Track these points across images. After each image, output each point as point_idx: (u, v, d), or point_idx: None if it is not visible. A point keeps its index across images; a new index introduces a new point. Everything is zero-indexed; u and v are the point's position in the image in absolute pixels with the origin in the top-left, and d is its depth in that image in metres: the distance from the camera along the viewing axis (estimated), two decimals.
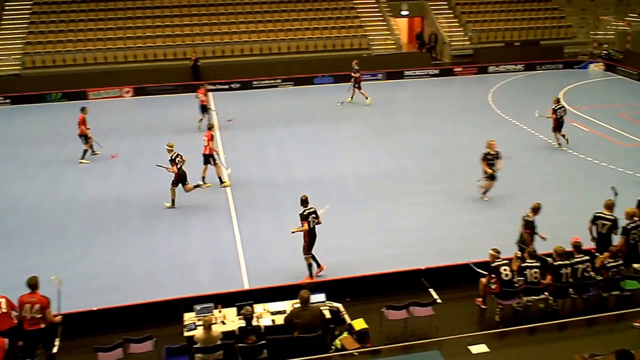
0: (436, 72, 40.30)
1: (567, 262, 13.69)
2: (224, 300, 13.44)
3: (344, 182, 22.55)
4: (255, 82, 37.79)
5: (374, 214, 19.86)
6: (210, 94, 30.77)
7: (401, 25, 46.67)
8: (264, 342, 11.93)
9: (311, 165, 24.19)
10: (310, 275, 15.91)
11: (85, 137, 25.04)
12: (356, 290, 14.59)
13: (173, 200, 20.45)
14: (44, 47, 38.03)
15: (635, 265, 14.53)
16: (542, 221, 15.41)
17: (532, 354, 12.42)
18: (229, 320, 12.90)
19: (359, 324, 12.85)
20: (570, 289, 13.84)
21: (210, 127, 22.82)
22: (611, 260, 13.99)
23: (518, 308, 13.67)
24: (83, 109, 25.26)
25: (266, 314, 13.09)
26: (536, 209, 15.36)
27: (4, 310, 11.97)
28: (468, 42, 43.10)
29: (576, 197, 20.34)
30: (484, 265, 14.30)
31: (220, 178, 22.11)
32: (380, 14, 44.14)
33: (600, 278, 14.03)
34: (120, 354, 12.24)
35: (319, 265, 16.07)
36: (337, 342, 12.47)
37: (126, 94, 36.67)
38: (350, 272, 15.47)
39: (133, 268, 16.95)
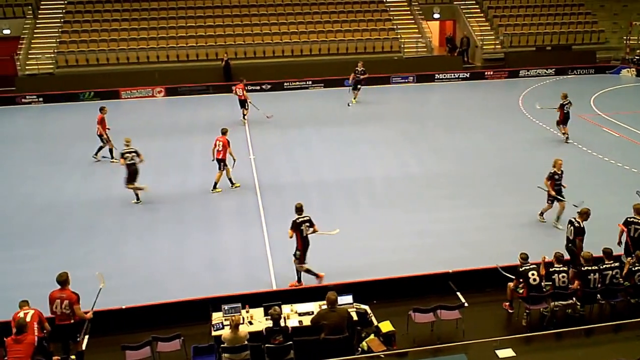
0: (467, 75, 40.23)
1: (595, 267, 13.62)
2: (251, 300, 13.51)
3: (372, 184, 22.54)
4: (286, 84, 38.04)
5: (402, 217, 19.79)
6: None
7: (433, 28, 46.54)
8: (290, 343, 11.97)
9: (340, 167, 24.20)
10: (299, 281, 15.58)
11: (101, 137, 24.83)
12: (383, 293, 14.61)
13: (137, 195, 21.24)
14: (77, 47, 38.60)
15: None
16: None
17: (559, 359, 12.36)
18: (256, 320, 12.96)
19: (386, 326, 12.84)
20: (598, 295, 13.77)
21: (225, 132, 21.90)
22: (638, 265, 13.92)
23: (545, 313, 13.64)
24: (102, 109, 24.91)
25: (294, 315, 13.15)
26: (585, 214, 15.15)
27: (26, 322, 11.46)
28: (499, 46, 42.93)
29: (606, 203, 20.03)
30: (511, 269, 14.28)
31: (230, 179, 22.07)
32: (412, 17, 44.11)
33: (628, 284, 13.94)
34: (148, 353, 12.37)
35: (317, 276, 15.67)
36: (364, 344, 12.48)
37: (158, 94, 37.09)
38: (378, 274, 15.45)
39: (161, 267, 17.09)
